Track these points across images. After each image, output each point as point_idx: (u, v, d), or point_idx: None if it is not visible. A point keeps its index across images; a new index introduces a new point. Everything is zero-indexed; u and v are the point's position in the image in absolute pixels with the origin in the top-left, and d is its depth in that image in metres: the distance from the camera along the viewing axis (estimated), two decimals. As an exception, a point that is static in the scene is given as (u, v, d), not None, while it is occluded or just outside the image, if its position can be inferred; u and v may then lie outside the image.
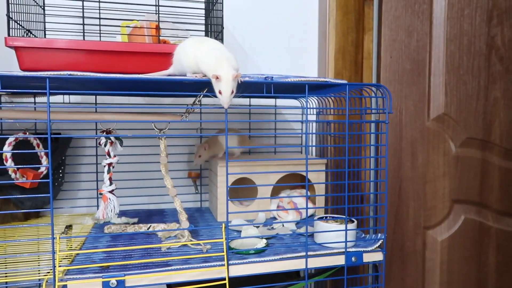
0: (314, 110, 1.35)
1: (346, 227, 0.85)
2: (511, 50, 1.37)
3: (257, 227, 0.99)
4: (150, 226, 0.96)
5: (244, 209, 1.12)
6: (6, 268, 0.74)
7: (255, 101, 1.33)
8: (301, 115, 1.36)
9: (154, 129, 0.86)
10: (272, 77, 0.79)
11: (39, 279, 0.69)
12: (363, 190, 1.30)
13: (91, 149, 1.19)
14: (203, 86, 0.83)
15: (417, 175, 1.36)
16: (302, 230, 0.99)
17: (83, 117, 0.85)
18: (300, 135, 1.38)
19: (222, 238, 0.83)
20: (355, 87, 0.87)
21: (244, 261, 0.80)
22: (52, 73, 0.69)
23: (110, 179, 0.88)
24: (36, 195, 0.70)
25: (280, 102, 1.35)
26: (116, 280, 0.71)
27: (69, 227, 1.00)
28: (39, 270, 0.72)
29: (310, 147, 1.37)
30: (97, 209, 1.18)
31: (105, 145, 0.88)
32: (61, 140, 1.13)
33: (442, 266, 1.38)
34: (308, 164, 1.14)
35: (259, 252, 0.84)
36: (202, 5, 1.07)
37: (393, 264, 1.35)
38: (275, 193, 1.18)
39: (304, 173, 1.15)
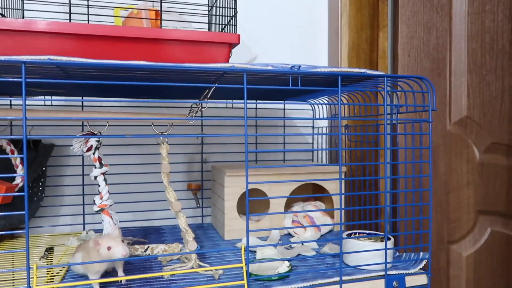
0: (324, 114, 1.22)
1: (386, 245, 0.71)
2: (537, 48, 1.27)
3: (275, 246, 0.85)
4: (148, 247, 0.80)
5: (254, 225, 0.98)
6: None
7: (260, 106, 1.20)
8: (312, 120, 1.23)
9: (146, 135, 0.72)
10: (300, 67, 0.66)
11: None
12: (377, 202, 1.17)
13: (76, 158, 1.04)
14: (216, 78, 0.70)
15: (439, 184, 1.24)
16: (326, 249, 0.85)
17: (67, 115, 0.70)
18: (311, 142, 1.25)
19: (238, 263, 0.68)
20: (394, 80, 0.74)
21: (267, 290, 0.65)
22: (28, 57, 0.55)
23: (108, 192, 0.73)
24: (10, 213, 0.54)
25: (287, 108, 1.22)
26: (111, 321, 0.56)
27: (50, 249, 0.84)
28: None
29: (321, 155, 1.24)
30: (83, 228, 1.03)
31: (95, 150, 0.73)
32: (40, 148, 0.97)
33: (468, 285, 1.25)
34: (329, 172, 1.00)
35: (283, 277, 0.70)
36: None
37: None
38: (286, 206, 1.04)
39: (319, 183, 1.01)
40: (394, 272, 0.72)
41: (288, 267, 0.73)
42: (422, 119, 0.73)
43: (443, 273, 1.25)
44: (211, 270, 0.71)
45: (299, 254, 0.83)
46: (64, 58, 0.56)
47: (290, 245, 0.88)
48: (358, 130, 1.14)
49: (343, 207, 0.99)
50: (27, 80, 0.54)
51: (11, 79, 0.53)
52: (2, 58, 0.53)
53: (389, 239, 0.74)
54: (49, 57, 0.56)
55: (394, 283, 0.71)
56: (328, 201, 1.07)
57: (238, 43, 0.75)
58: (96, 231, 0.99)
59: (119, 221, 1.04)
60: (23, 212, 0.53)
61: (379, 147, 0.94)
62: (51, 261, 0.77)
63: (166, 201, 1.09)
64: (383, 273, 0.71)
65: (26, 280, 0.53)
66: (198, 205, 1.11)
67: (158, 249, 0.81)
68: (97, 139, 0.71)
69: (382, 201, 1.18)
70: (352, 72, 0.68)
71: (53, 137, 0.64)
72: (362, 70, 0.69)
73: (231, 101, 1.14)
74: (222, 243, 0.92)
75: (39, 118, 0.60)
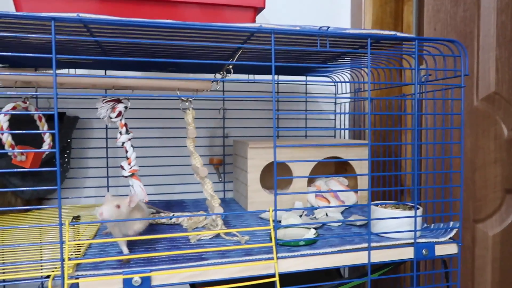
0: (348, 89, 1.20)
1: (416, 212, 0.70)
2: None
3: (300, 216, 0.84)
4: (173, 215, 0.81)
5: (277, 199, 0.97)
6: (3, 262, 0.59)
7: (281, 83, 1.18)
8: (335, 94, 1.22)
9: (172, 95, 0.71)
10: (328, 28, 0.64)
11: (43, 276, 0.54)
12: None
13: (100, 131, 1.04)
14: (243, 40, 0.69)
15: (465, 161, 1.21)
16: (351, 219, 0.83)
17: (94, 81, 0.70)
18: (333, 119, 1.24)
19: (264, 226, 0.68)
20: (424, 43, 0.72)
21: (295, 253, 0.65)
22: (58, 14, 0.55)
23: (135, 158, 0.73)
24: (42, 169, 0.54)
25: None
26: (140, 277, 0.56)
27: (76, 217, 0.85)
28: (41, 266, 0.57)
29: (343, 131, 1.22)
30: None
31: (122, 116, 0.73)
32: (65, 120, 0.98)
33: (494, 264, 1.23)
34: (353, 146, 0.99)
35: (310, 243, 0.69)
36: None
37: (439, 261, 1.19)
38: (308, 183, 1.03)
39: (342, 154, 1.00)
40: (423, 240, 0.71)
41: (314, 234, 0.72)
42: (454, 84, 0.71)
43: (468, 252, 1.22)
44: (237, 236, 0.71)
45: (324, 222, 0.82)
46: (93, 16, 0.56)
47: (315, 216, 0.87)
48: (383, 105, 1.12)
49: (370, 175, 0.98)
50: (56, 37, 0.54)
51: (41, 35, 0.53)
52: (32, 14, 0.53)
53: (418, 208, 0.73)
54: (78, 14, 0.55)
55: (424, 251, 0.70)
56: (351, 178, 1.05)
57: (264, 7, 0.74)
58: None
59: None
60: (55, 168, 0.53)
61: (406, 112, 0.92)
62: (78, 227, 0.78)
63: (186, 176, 1.09)
64: (412, 241, 0.70)
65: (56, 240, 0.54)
66: (220, 179, 1.11)
67: (183, 217, 0.81)
68: (124, 105, 0.71)
69: (408, 170, 1.15)
70: (382, 34, 0.66)
71: (82, 95, 0.64)
72: (392, 33, 0.67)
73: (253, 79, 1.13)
74: (245, 215, 0.91)
75: (67, 75, 0.60)
